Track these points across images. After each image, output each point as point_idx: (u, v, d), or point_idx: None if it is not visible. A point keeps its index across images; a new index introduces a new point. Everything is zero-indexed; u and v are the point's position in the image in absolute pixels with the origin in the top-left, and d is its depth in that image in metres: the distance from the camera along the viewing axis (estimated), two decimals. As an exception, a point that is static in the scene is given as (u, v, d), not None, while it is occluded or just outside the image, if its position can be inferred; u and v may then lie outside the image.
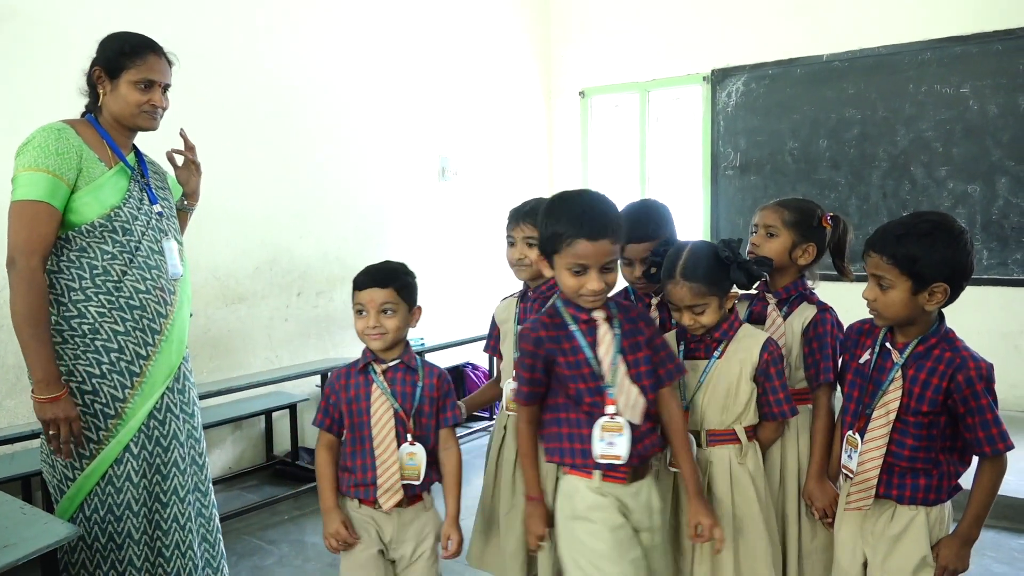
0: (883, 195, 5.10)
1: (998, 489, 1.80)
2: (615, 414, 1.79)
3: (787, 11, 5.40)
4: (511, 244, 2.21)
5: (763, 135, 5.55)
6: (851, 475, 1.89)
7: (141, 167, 2.25)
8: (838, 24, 5.21)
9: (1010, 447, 1.73)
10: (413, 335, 4.79)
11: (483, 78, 5.81)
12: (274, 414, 4.34)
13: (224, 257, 4.11)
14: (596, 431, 1.81)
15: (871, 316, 1.90)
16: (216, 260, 4.06)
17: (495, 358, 2.50)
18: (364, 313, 1.98)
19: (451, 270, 5.48)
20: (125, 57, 2.12)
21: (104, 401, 2.08)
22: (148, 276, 2.14)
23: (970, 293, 5.26)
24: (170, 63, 2.23)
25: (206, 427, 3.60)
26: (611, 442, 1.79)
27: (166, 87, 2.20)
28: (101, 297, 2.08)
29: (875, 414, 1.83)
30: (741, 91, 5.62)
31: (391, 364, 2.01)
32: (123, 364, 2.09)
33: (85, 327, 2.06)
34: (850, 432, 1.90)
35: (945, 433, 1.80)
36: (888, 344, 1.86)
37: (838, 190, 5.27)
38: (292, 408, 4.31)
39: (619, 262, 1.87)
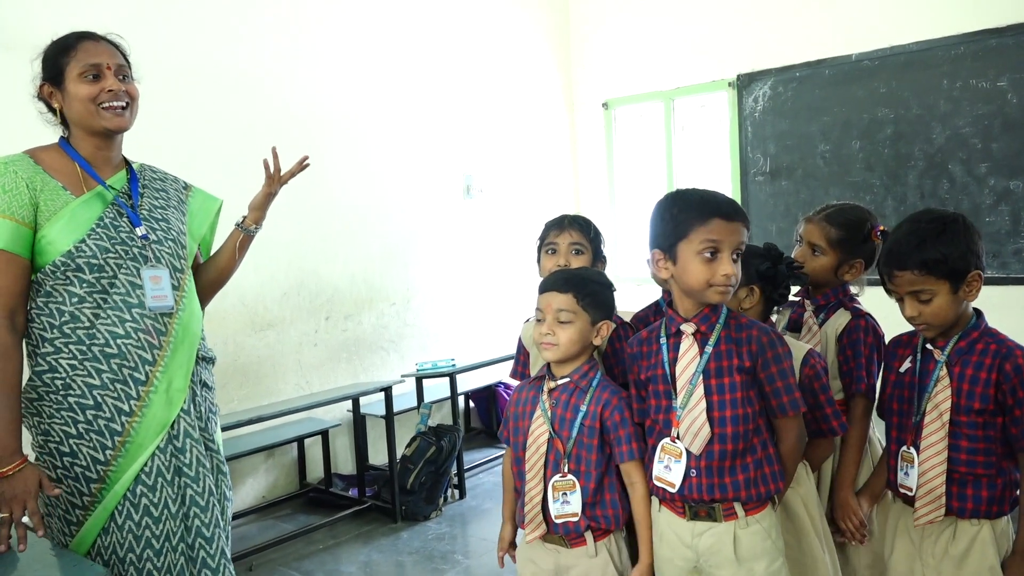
0: (921, 195, 4.95)
1: None
2: (676, 437, 1.68)
3: (813, 11, 5.28)
4: (552, 252, 2.13)
5: (793, 139, 5.43)
6: (910, 493, 1.78)
7: (131, 185, 1.98)
8: (866, 22, 5.08)
9: None
10: (443, 355, 4.77)
11: (505, 93, 5.77)
12: (306, 441, 4.29)
13: (251, 283, 4.08)
14: (658, 451, 1.72)
15: (911, 329, 1.84)
16: (243, 286, 4.03)
17: None
18: (541, 320, 1.83)
19: (480, 288, 5.42)
20: (60, 55, 1.88)
21: (84, 464, 1.83)
22: (128, 317, 1.85)
23: (1015, 293, 5.07)
24: (117, 45, 1.95)
25: (236, 457, 3.59)
26: (668, 466, 1.69)
27: (120, 69, 1.91)
28: (72, 347, 1.82)
29: (927, 419, 1.74)
30: (768, 95, 5.51)
31: (560, 383, 1.84)
32: (101, 423, 1.82)
33: (58, 382, 1.82)
34: (904, 448, 1.80)
35: (1005, 437, 1.71)
36: (929, 346, 1.79)
37: (873, 192, 5.13)
38: (324, 434, 4.26)
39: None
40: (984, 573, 1.71)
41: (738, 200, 5.63)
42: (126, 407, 1.84)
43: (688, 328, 1.69)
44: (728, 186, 5.72)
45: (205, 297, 2.17)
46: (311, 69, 4.40)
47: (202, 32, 3.89)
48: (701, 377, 1.66)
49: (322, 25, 4.47)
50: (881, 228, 2.05)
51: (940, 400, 1.73)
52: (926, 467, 1.74)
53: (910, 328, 1.87)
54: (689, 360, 1.68)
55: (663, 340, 1.74)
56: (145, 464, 1.85)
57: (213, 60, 3.92)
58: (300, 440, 4.23)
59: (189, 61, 3.80)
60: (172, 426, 1.91)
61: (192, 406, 1.98)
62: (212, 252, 2.25)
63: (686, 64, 5.87)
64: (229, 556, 2.04)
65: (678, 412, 1.67)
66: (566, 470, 1.80)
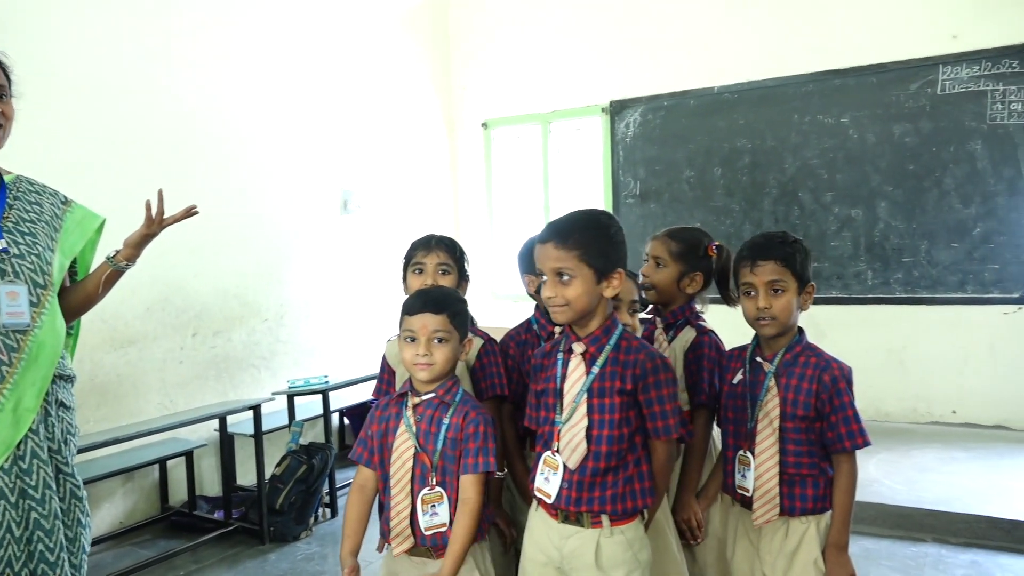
0: (775, 220, 5.32)
1: (856, 490, 1.89)
2: (557, 451, 1.76)
3: (680, 45, 5.60)
4: (419, 272, 2.17)
5: (661, 164, 5.71)
6: (747, 495, 1.93)
7: None
8: (728, 57, 5.44)
9: (868, 443, 1.85)
10: (318, 372, 4.70)
11: (385, 110, 5.78)
12: (169, 462, 4.11)
13: (111, 297, 3.79)
14: (541, 462, 1.80)
15: (742, 344, 2.02)
16: (102, 301, 3.82)
17: None
18: (413, 340, 1.84)
19: (356, 305, 5.38)
20: None
21: None
22: None
23: (856, 311, 5.50)
24: None
25: (90, 481, 3.40)
26: (547, 478, 1.77)
27: None
28: None
29: (760, 426, 1.90)
30: (639, 122, 5.78)
31: (424, 399, 1.87)
32: None
33: None
34: (741, 452, 1.96)
35: (822, 440, 1.89)
36: (758, 359, 1.96)
37: (733, 216, 5.46)
38: (188, 455, 4.10)
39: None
40: (810, 566, 1.88)
41: (610, 221, 5.87)
42: None
43: (578, 348, 1.77)
44: (601, 207, 5.91)
45: (65, 320, 2.07)
46: (183, 74, 4.26)
47: (71, 42, 3.71)
48: (585, 396, 1.74)
49: (198, 34, 4.35)
50: (716, 244, 2.24)
51: (770, 408, 1.90)
52: (761, 471, 1.90)
53: (745, 343, 2.04)
54: (576, 379, 1.76)
55: (559, 356, 1.82)
56: None
57: (81, 68, 3.73)
58: (162, 462, 4.04)
59: (59, 72, 3.61)
60: (18, 447, 1.83)
61: (43, 426, 1.90)
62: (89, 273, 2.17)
63: (562, 89, 6.07)
64: None
65: (561, 427, 1.76)
66: (434, 483, 1.84)
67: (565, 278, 1.70)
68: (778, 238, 1.95)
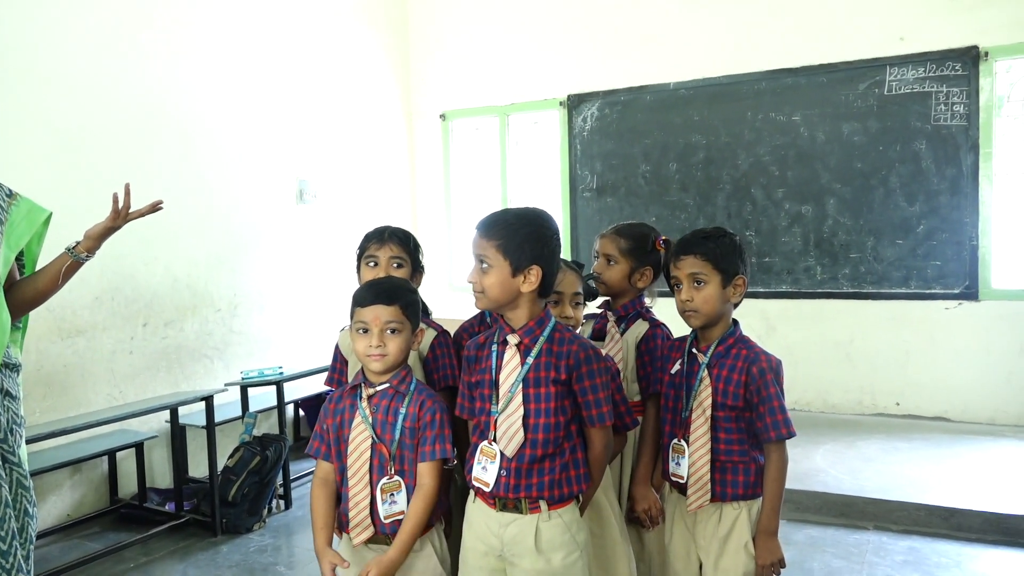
0: (728, 215, 5.41)
1: (785, 478, 1.97)
2: (493, 440, 1.79)
3: (637, 41, 5.66)
4: (373, 265, 2.18)
5: (617, 158, 5.77)
6: (680, 481, 2.00)
7: None
8: (684, 54, 5.51)
9: (793, 434, 1.93)
10: (272, 363, 4.66)
11: (343, 100, 5.73)
12: (118, 454, 4.04)
13: None
14: (477, 452, 1.82)
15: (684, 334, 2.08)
16: (49, 290, 3.75)
17: None
18: (366, 332, 1.85)
19: (311, 295, 5.34)
20: None
21: None
22: None
23: (806, 306, 5.61)
24: None
25: (36, 473, 3.33)
26: (484, 467, 1.80)
27: None
28: None
29: (694, 415, 1.97)
30: (596, 116, 5.82)
31: (379, 389, 1.88)
32: None
33: None
34: (675, 440, 2.02)
35: (752, 429, 1.96)
36: (694, 350, 2.03)
37: (688, 211, 5.55)
38: (139, 447, 4.03)
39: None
40: (740, 549, 1.95)
41: (566, 215, 5.93)
42: None
43: (512, 339, 1.80)
44: (558, 201, 5.98)
45: (16, 315, 2.05)
46: (137, 68, 4.18)
47: (26, 30, 3.61)
48: (521, 385, 1.78)
49: (154, 23, 4.26)
50: (664, 238, 2.29)
51: (703, 398, 1.97)
52: (695, 458, 1.97)
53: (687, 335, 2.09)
54: (511, 369, 1.80)
55: (494, 348, 1.85)
56: None
57: (35, 58, 3.64)
58: (111, 453, 3.98)
59: (13, 61, 3.53)
60: None
61: None
62: (38, 267, 2.13)
63: (520, 82, 6.09)
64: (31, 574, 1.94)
65: (497, 416, 1.79)
66: (392, 472, 1.86)
67: (484, 266, 1.77)
68: (703, 234, 2.01)
